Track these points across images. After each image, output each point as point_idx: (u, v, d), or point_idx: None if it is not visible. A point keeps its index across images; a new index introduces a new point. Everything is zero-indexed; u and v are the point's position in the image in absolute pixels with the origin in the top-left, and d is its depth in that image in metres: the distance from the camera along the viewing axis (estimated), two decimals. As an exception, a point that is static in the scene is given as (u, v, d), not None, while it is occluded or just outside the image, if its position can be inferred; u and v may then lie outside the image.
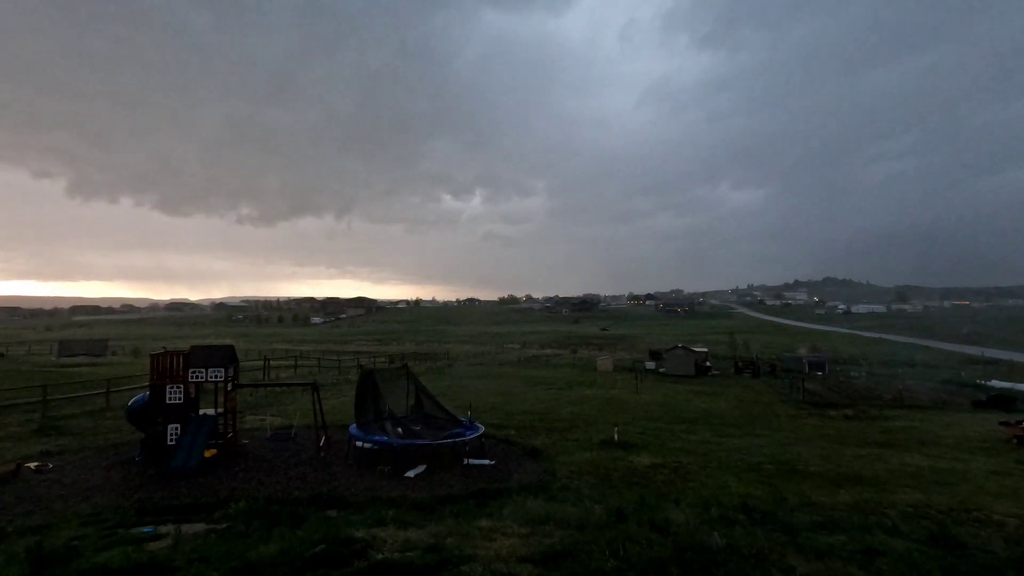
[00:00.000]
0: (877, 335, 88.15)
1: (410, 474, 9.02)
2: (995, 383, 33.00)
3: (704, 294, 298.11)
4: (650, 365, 41.89)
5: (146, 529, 5.99)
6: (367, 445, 9.85)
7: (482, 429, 11.01)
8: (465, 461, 9.78)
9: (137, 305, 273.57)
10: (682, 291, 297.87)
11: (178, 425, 9.84)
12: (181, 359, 10.33)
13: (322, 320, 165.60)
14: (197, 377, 10.34)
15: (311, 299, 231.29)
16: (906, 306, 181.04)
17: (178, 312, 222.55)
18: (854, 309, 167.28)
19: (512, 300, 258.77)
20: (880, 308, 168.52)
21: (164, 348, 10.98)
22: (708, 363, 40.00)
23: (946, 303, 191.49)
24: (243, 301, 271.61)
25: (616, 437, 12.54)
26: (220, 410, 10.70)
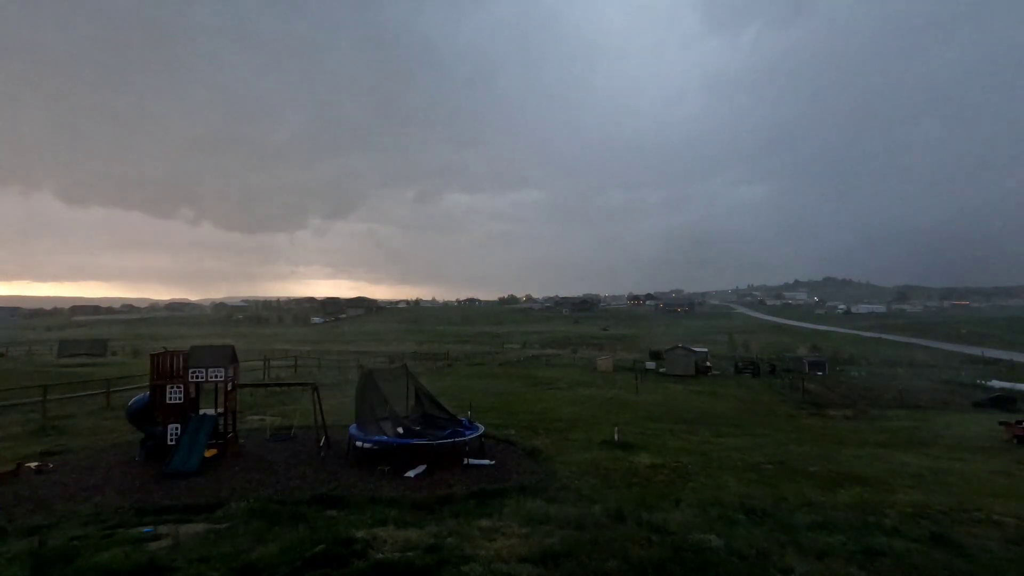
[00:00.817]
0: (877, 335, 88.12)
1: (410, 474, 9.02)
2: (995, 383, 33.00)
3: (704, 294, 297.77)
4: (650, 365, 41.87)
5: (146, 529, 5.98)
6: (367, 445, 9.85)
7: (482, 429, 11.01)
8: (465, 461, 9.77)
9: (137, 305, 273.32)
10: (682, 291, 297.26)
11: (178, 425, 9.85)
12: (181, 359, 10.33)
13: (322, 320, 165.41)
14: (197, 377, 10.34)
15: (311, 299, 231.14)
16: (906, 306, 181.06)
17: (178, 312, 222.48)
18: (854, 309, 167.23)
19: (512, 300, 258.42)
20: (880, 308, 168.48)
21: (164, 348, 10.98)
22: (708, 363, 40.00)
23: (946, 303, 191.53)
24: (243, 301, 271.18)
25: (616, 437, 12.53)
26: (220, 410, 10.70)
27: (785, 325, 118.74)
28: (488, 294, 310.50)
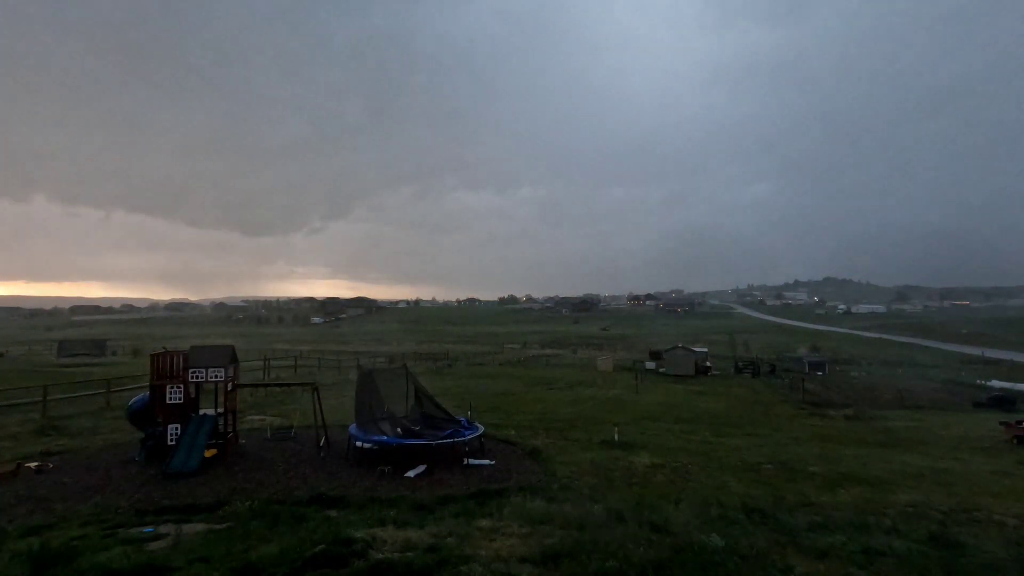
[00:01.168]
0: (877, 335, 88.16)
1: (410, 474, 9.02)
2: (995, 383, 33.01)
3: (704, 294, 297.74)
4: (650, 365, 41.87)
5: (146, 529, 5.99)
6: (367, 445, 9.85)
7: (482, 429, 11.01)
8: (465, 461, 9.77)
9: (137, 305, 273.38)
10: (682, 291, 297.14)
11: (178, 425, 9.84)
12: (181, 359, 10.33)
13: (322, 320, 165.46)
14: (197, 377, 10.34)
15: (311, 299, 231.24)
16: (906, 306, 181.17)
17: (178, 312, 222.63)
18: (854, 309, 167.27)
19: (512, 300, 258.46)
20: (880, 308, 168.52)
21: (164, 348, 10.97)
22: (708, 363, 40.00)
23: (946, 303, 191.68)
24: (243, 301, 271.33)
25: (616, 437, 12.53)
26: (220, 410, 10.70)
27: (785, 325, 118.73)
28: (488, 294, 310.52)
